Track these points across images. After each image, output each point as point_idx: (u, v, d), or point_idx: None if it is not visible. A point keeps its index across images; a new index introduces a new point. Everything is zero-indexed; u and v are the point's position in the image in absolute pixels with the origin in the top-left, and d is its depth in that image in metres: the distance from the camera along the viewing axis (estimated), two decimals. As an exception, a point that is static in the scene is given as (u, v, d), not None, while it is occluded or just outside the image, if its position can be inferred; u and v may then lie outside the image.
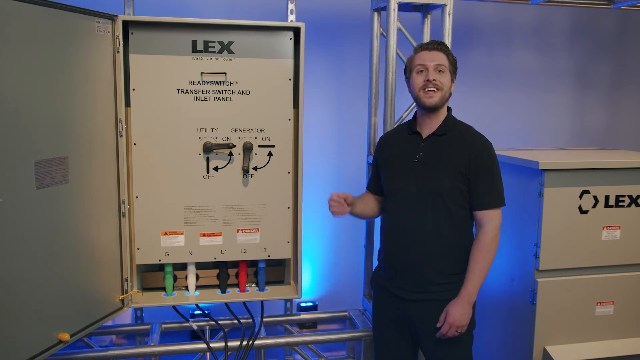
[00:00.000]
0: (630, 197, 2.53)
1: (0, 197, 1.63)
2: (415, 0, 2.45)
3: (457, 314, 1.92)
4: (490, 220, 1.95)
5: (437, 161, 1.96)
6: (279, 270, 2.48)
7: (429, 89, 1.92)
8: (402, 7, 2.49)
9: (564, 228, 2.47)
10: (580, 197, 2.47)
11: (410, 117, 2.78)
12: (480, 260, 1.94)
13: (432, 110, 1.96)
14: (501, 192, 1.98)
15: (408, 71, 2.02)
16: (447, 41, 2.48)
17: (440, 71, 1.93)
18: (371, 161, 2.75)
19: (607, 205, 2.51)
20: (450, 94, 2.00)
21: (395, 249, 2.03)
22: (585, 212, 2.49)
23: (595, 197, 2.49)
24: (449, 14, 2.45)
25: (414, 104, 2.78)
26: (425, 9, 2.66)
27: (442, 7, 2.46)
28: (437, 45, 1.97)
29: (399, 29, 2.42)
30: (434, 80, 1.92)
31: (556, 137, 4.07)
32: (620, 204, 2.52)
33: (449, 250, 1.97)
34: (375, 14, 2.67)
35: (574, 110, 4.10)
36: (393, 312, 2.06)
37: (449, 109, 2.04)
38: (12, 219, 1.69)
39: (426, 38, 2.67)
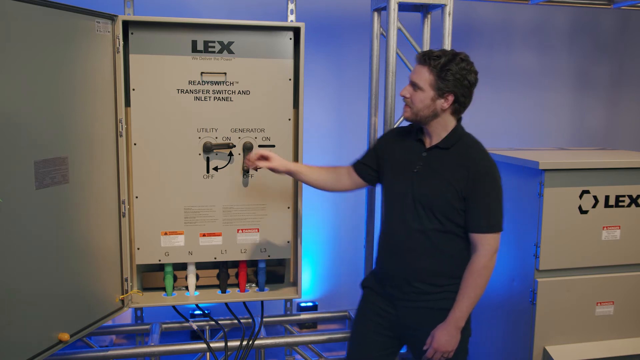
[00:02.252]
0: (630, 197, 2.53)
1: (1, 197, 1.63)
2: (415, 0, 2.45)
3: (442, 340, 1.87)
4: (485, 244, 1.86)
5: (434, 174, 1.89)
6: (279, 270, 2.48)
7: (404, 103, 1.91)
8: (402, 7, 2.49)
9: (564, 228, 2.47)
10: (580, 197, 2.47)
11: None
12: (471, 286, 1.86)
13: (414, 123, 1.95)
14: (500, 218, 1.87)
15: None
16: (447, 41, 2.48)
17: (415, 89, 1.85)
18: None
19: (607, 205, 2.51)
20: (444, 110, 1.86)
21: (387, 257, 2.00)
22: (585, 212, 2.49)
23: (595, 197, 2.49)
24: (449, 14, 2.45)
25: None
26: (425, 9, 2.65)
27: (442, 7, 2.46)
28: (425, 59, 1.83)
29: (399, 29, 2.42)
30: (403, 96, 1.89)
31: (556, 137, 4.07)
32: (620, 204, 2.52)
33: (440, 263, 1.91)
34: (375, 14, 2.67)
35: (574, 110, 4.10)
36: (382, 316, 2.01)
37: (459, 119, 1.93)
38: (12, 219, 1.69)
39: (426, 38, 2.67)
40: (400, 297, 1.96)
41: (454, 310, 1.88)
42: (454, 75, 1.81)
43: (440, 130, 1.91)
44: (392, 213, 1.98)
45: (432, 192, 1.87)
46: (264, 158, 2.04)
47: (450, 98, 1.84)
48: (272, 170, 2.06)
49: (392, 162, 2.01)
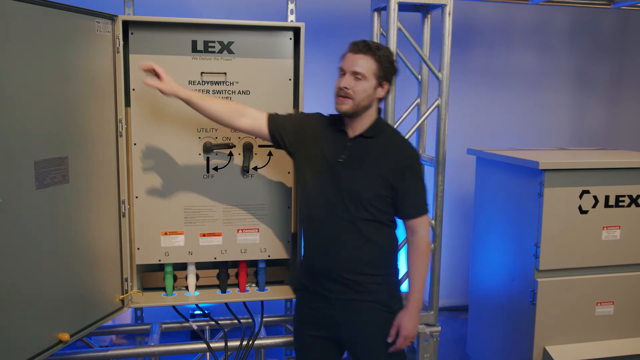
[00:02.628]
0: (630, 197, 2.53)
1: (1, 197, 1.63)
2: (415, 0, 2.45)
3: (409, 326, 1.90)
4: (423, 225, 1.94)
5: (361, 164, 1.88)
6: (279, 270, 2.48)
7: (341, 95, 1.85)
8: (402, 7, 2.48)
9: (564, 228, 2.47)
10: (580, 197, 2.47)
11: (409, 117, 2.79)
12: (422, 266, 1.94)
13: (347, 116, 1.89)
14: (427, 199, 1.96)
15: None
16: (447, 41, 2.48)
17: (358, 78, 1.83)
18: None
19: (607, 205, 2.51)
20: (378, 99, 1.90)
21: (317, 251, 1.97)
22: (585, 212, 2.49)
23: (595, 197, 2.49)
24: (449, 14, 2.45)
25: (414, 103, 2.79)
26: (425, 9, 2.66)
27: (442, 7, 2.46)
28: (364, 47, 1.84)
29: (399, 29, 2.42)
30: (345, 88, 1.84)
31: (556, 137, 4.07)
32: (620, 204, 2.52)
33: (371, 253, 1.92)
34: (375, 14, 2.67)
35: (574, 110, 4.10)
36: (320, 325, 1.97)
37: (379, 110, 1.95)
38: (12, 219, 1.69)
39: (426, 38, 2.67)
40: (335, 290, 1.93)
41: (413, 293, 1.93)
42: (391, 64, 1.89)
43: (365, 120, 1.91)
44: (316, 205, 1.93)
45: (361, 182, 1.87)
46: (157, 75, 1.93)
47: (386, 87, 1.90)
48: (161, 91, 1.94)
49: (313, 150, 1.95)
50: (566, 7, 3.72)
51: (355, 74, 1.84)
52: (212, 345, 2.34)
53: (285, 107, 2.30)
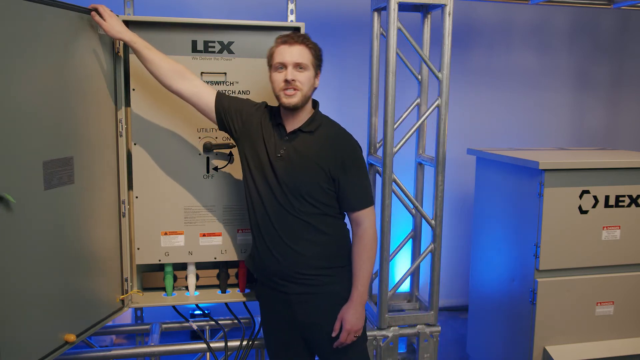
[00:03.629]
0: (630, 197, 2.53)
1: (12, 197, 1.62)
2: (415, 0, 2.45)
3: (353, 319, 1.88)
4: (368, 217, 1.90)
5: (300, 158, 1.86)
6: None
7: (289, 89, 1.81)
8: (402, 7, 2.49)
9: (564, 228, 2.47)
10: (580, 197, 2.47)
11: (409, 117, 2.79)
12: (367, 259, 1.90)
13: (293, 110, 1.86)
14: (370, 191, 1.95)
15: (269, 65, 1.88)
16: (447, 41, 2.48)
17: (301, 69, 1.82)
18: (370, 164, 2.75)
19: (607, 205, 2.51)
20: (314, 89, 1.90)
21: (268, 248, 1.92)
22: (585, 212, 2.49)
23: (595, 197, 2.49)
24: (449, 14, 2.45)
25: (414, 103, 2.79)
26: (425, 9, 2.66)
27: (442, 7, 2.46)
28: (297, 38, 1.83)
29: (399, 29, 2.42)
30: (292, 80, 1.80)
31: (556, 137, 4.07)
32: (620, 204, 2.52)
33: (320, 245, 1.90)
34: (375, 14, 2.67)
35: (574, 110, 4.10)
36: (278, 320, 1.98)
37: (315, 103, 1.94)
38: (22, 220, 1.68)
39: (426, 38, 2.67)
40: (291, 287, 1.91)
41: (356, 286, 1.90)
42: (320, 52, 1.89)
43: (303, 113, 1.89)
44: (261, 200, 1.91)
45: (301, 177, 1.86)
46: (101, 16, 1.90)
47: (319, 76, 1.90)
48: (105, 32, 1.92)
49: (256, 143, 1.92)
50: (566, 7, 3.72)
51: (297, 65, 1.82)
52: (212, 345, 2.34)
53: (285, 107, 2.30)
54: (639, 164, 2.52)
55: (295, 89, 1.82)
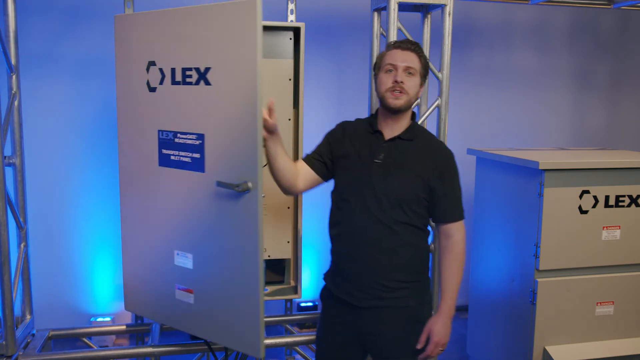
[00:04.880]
0: (630, 197, 2.53)
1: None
2: (415, 0, 2.45)
3: (442, 332, 1.85)
4: (460, 231, 1.92)
5: (399, 166, 1.86)
6: (279, 270, 2.48)
7: (396, 90, 1.82)
8: (402, 7, 2.49)
9: (564, 228, 2.47)
10: (580, 197, 2.47)
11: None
12: (457, 272, 1.90)
13: (396, 112, 1.86)
14: (461, 204, 1.96)
15: (377, 68, 1.90)
16: (447, 41, 2.48)
17: (410, 74, 1.83)
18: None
19: (607, 205, 2.51)
20: (417, 99, 1.90)
21: (349, 254, 1.89)
22: (585, 212, 2.49)
23: (595, 197, 2.49)
24: (449, 14, 2.45)
25: (414, 104, 2.79)
26: (425, 9, 2.65)
27: (442, 7, 2.46)
28: (411, 45, 1.87)
29: (399, 29, 2.42)
30: (401, 82, 1.81)
31: (556, 137, 4.07)
32: (620, 204, 2.52)
33: (405, 257, 1.86)
34: (375, 14, 2.67)
35: (574, 110, 4.10)
36: (340, 324, 1.92)
37: (413, 114, 1.95)
38: None
39: (426, 38, 2.67)
40: (361, 298, 1.87)
41: (445, 299, 1.89)
42: (428, 67, 1.93)
43: (403, 120, 1.90)
44: (350, 207, 1.87)
45: (399, 184, 1.84)
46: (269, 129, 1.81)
47: (423, 88, 1.92)
48: (267, 129, 1.80)
49: (348, 154, 1.91)
50: (566, 7, 3.72)
51: (407, 69, 1.84)
52: (212, 345, 2.34)
53: (285, 107, 2.30)
54: (639, 164, 2.52)
55: (401, 92, 1.83)
